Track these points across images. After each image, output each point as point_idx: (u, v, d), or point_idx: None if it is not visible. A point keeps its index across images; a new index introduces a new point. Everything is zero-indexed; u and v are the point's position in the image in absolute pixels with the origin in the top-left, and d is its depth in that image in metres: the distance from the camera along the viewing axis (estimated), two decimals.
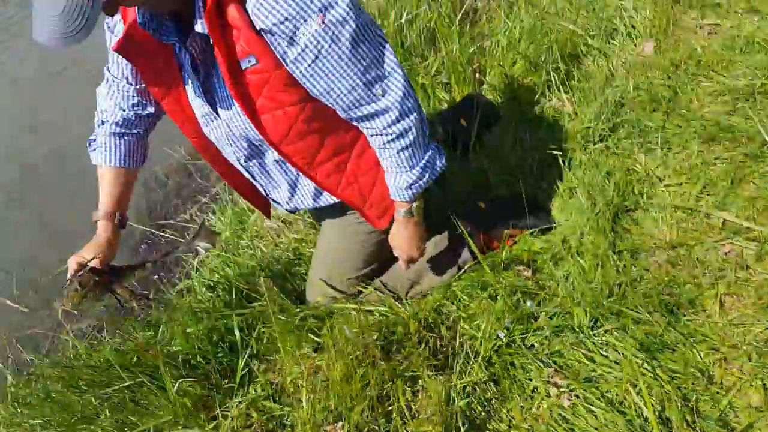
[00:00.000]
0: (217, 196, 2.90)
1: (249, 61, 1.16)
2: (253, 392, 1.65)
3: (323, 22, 1.11)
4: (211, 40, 1.15)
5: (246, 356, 1.70)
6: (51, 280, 2.79)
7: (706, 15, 2.26)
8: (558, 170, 1.91)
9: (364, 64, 1.18)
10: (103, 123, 1.48)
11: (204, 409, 1.65)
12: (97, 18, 1.01)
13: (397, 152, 1.32)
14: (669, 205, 1.70)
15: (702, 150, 1.81)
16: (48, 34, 1.00)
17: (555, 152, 1.92)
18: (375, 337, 1.56)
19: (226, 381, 1.69)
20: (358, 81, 1.19)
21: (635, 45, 2.24)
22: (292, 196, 1.51)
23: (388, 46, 1.21)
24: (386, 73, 1.22)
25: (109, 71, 1.42)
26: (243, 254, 2.18)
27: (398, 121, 1.26)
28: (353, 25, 1.13)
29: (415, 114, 1.27)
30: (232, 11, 1.11)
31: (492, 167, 1.98)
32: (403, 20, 2.48)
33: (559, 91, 2.15)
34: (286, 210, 1.58)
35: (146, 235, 2.92)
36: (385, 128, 1.27)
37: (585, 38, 2.29)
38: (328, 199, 1.50)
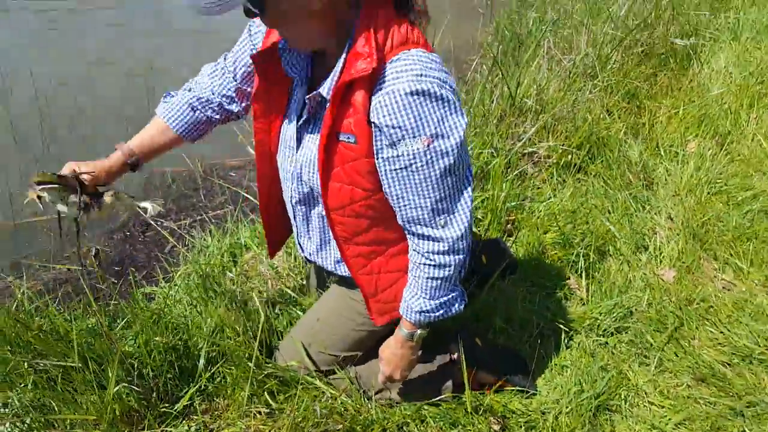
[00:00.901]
0: (219, 221, 2.85)
1: (348, 138, 1.22)
2: (186, 428, 1.58)
3: (428, 146, 1.17)
4: (326, 105, 1.22)
5: (195, 388, 1.64)
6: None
7: (726, 271, 2.42)
8: (556, 343, 1.97)
9: (441, 195, 1.24)
10: (190, 90, 1.54)
11: (129, 425, 1.57)
12: (236, 5, 1.05)
13: (427, 278, 1.35)
14: (648, 421, 1.73)
15: (691, 385, 1.87)
16: None
17: (559, 326, 1.98)
18: (340, 427, 1.53)
19: (165, 405, 1.62)
20: (428, 204, 1.25)
21: (658, 268, 2.37)
22: (319, 251, 1.54)
23: (470, 189, 1.28)
24: (455, 211, 1.27)
25: (225, 60, 1.49)
26: (226, 286, 2.11)
27: (443, 254, 1.31)
28: (450, 161, 1.19)
29: (461, 256, 1.32)
30: (359, 96, 1.17)
31: (498, 313, 2.03)
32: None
33: (579, 276, 2.25)
34: (306, 257, 1.60)
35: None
36: (428, 252, 1.31)
37: (618, 242, 2.43)
38: (345, 271, 1.51)
